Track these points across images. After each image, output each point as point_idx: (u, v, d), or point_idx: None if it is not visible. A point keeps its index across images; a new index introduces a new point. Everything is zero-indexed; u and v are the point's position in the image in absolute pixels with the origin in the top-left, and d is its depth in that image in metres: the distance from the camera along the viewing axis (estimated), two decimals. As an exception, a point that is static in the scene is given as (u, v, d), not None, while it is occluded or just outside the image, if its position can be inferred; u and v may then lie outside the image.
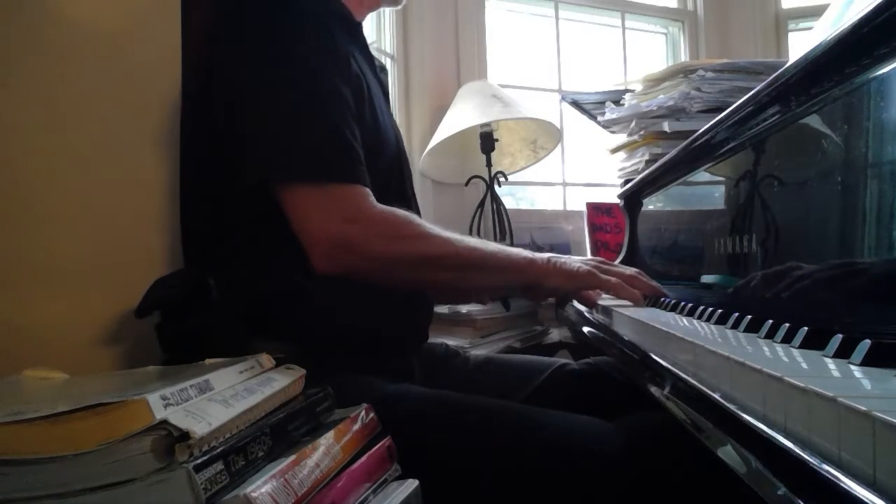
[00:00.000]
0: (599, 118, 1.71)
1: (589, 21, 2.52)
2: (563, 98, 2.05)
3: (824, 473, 0.32)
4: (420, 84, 2.05)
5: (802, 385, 0.37)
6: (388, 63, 1.99)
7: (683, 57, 2.54)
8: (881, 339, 0.44)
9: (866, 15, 0.54)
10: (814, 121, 0.67)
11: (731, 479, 0.41)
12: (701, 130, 0.95)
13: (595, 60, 2.49)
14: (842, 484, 0.31)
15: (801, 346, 0.51)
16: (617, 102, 1.64)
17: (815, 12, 2.24)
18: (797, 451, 0.35)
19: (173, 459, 0.44)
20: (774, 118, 0.74)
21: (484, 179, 1.95)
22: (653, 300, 0.99)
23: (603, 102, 1.70)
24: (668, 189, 1.22)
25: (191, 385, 0.51)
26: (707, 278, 0.96)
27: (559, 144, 2.05)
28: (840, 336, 0.48)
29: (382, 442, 0.68)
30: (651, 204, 1.37)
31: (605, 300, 1.07)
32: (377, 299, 0.89)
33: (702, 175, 1.02)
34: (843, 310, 0.57)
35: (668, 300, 0.95)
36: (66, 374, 0.69)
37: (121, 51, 1.05)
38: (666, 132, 1.41)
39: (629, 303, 0.97)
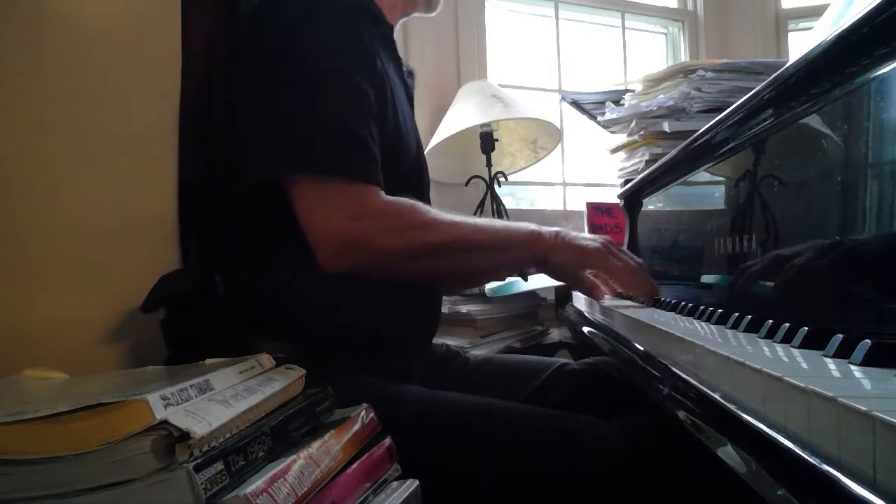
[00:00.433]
0: (599, 118, 1.70)
1: (589, 21, 2.52)
2: (563, 98, 2.04)
3: (824, 473, 0.32)
4: (420, 84, 2.04)
5: (802, 385, 0.37)
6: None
7: (683, 57, 2.54)
8: (881, 339, 0.44)
9: (866, 15, 0.54)
10: (814, 121, 0.67)
11: (731, 479, 0.41)
12: (701, 130, 0.95)
13: (595, 60, 2.49)
14: (842, 484, 0.31)
15: (801, 346, 0.51)
16: (617, 102, 1.64)
17: (815, 12, 2.24)
18: (797, 451, 0.35)
19: (173, 459, 0.44)
20: (774, 118, 0.74)
21: (484, 179, 1.95)
22: (652, 300, 0.99)
23: (603, 102, 1.70)
24: (668, 189, 1.22)
25: (191, 385, 0.51)
26: (707, 278, 0.96)
27: (559, 144, 2.05)
28: (840, 336, 0.48)
29: (382, 442, 0.68)
30: (651, 204, 1.37)
31: (606, 300, 1.07)
32: (380, 300, 0.89)
33: (702, 175, 1.02)
34: (843, 310, 0.57)
35: (668, 300, 0.95)
36: (68, 373, 0.69)
37: (121, 51, 1.05)
38: (666, 132, 1.41)
39: (629, 302, 0.97)
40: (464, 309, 1.55)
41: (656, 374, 0.63)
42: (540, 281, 1.43)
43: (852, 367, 0.44)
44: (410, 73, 1.15)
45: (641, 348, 0.72)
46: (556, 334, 1.78)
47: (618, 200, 1.55)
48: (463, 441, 0.79)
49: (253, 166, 0.88)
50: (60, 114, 0.98)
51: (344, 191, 0.85)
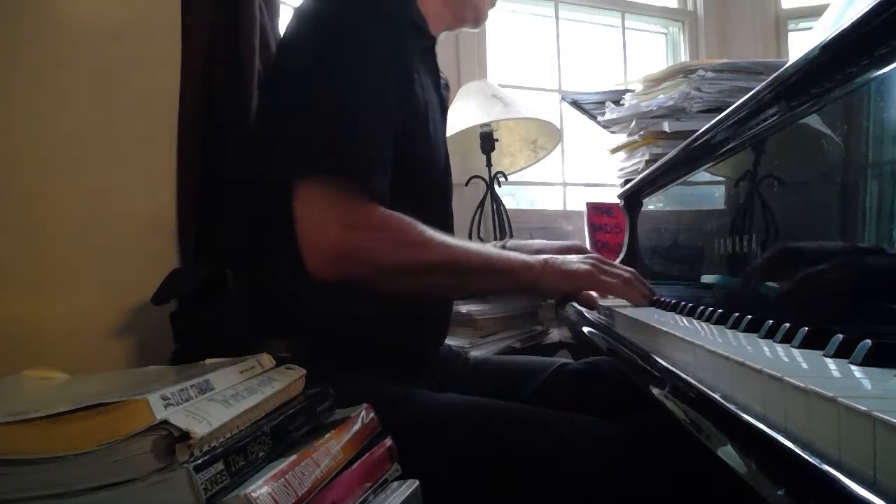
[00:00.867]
0: (599, 118, 1.71)
1: (589, 21, 2.52)
2: (563, 98, 2.05)
3: (824, 473, 0.32)
4: (420, 84, 2.05)
5: (802, 385, 0.37)
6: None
7: (683, 57, 2.54)
8: (881, 339, 0.44)
9: (866, 15, 0.54)
10: (814, 121, 0.67)
11: (731, 479, 0.41)
12: (701, 130, 0.95)
13: (595, 60, 2.49)
14: (842, 484, 0.31)
15: (801, 346, 0.51)
16: (617, 102, 1.64)
17: (815, 12, 2.24)
18: (797, 451, 0.35)
19: (174, 459, 0.44)
20: (774, 118, 0.74)
21: (484, 179, 1.95)
22: (651, 300, 0.99)
23: (603, 102, 1.70)
24: (668, 189, 1.22)
25: (191, 385, 0.51)
26: (707, 278, 0.96)
27: (559, 144, 2.04)
28: (840, 336, 0.48)
29: (383, 442, 0.68)
30: (651, 204, 1.37)
31: (606, 300, 1.07)
32: (389, 307, 0.88)
33: (702, 175, 1.02)
34: (843, 310, 0.57)
35: (667, 300, 0.95)
36: (70, 372, 0.69)
37: (121, 51, 1.05)
38: (666, 132, 1.41)
39: (628, 303, 0.97)
40: (464, 309, 1.55)
41: (656, 373, 0.63)
42: None
43: (852, 367, 0.44)
44: (447, 86, 1.15)
45: (641, 348, 0.72)
46: (556, 334, 1.78)
47: (618, 200, 1.54)
48: (463, 441, 0.79)
49: (274, 165, 0.87)
50: (61, 114, 0.99)
51: (343, 198, 0.83)
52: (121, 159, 1.05)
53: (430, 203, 0.93)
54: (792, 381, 0.38)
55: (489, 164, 1.91)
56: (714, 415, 0.47)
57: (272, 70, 0.94)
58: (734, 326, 0.67)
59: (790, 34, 2.51)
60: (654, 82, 1.50)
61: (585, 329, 1.06)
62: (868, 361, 0.43)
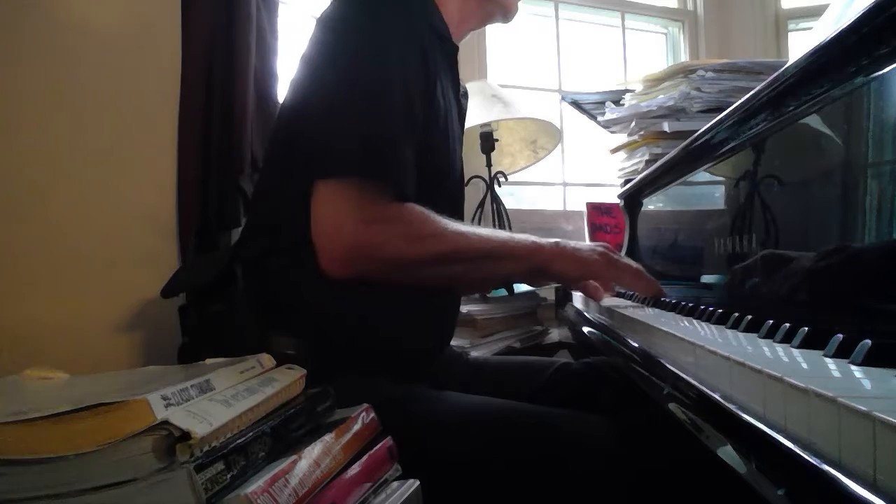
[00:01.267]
0: (599, 118, 1.70)
1: (589, 21, 2.52)
2: (563, 98, 2.05)
3: (824, 473, 0.32)
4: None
5: (802, 385, 0.37)
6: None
7: (683, 57, 2.54)
8: (881, 339, 0.44)
9: (866, 15, 0.54)
10: (814, 121, 0.67)
11: (730, 478, 0.41)
12: (701, 130, 0.95)
13: (595, 60, 2.49)
14: (842, 484, 0.31)
15: (801, 346, 0.51)
16: (617, 102, 1.64)
17: (815, 12, 2.24)
18: (797, 451, 0.35)
19: (174, 459, 0.44)
20: (774, 118, 0.74)
21: (484, 179, 1.95)
22: (653, 300, 0.99)
23: (603, 102, 1.70)
24: (668, 189, 1.22)
25: (192, 385, 0.51)
26: (707, 278, 0.96)
27: (559, 144, 2.04)
28: (840, 336, 0.48)
29: (383, 442, 0.68)
30: (651, 204, 1.37)
31: (606, 300, 1.07)
32: (398, 308, 0.88)
33: (702, 175, 1.02)
34: (843, 310, 0.57)
35: (668, 300, 0.95)
36: (72, 371, 0.69)
37: (121, 51, 1.05)
38: (666, 132, 1.41)
39: (629, 302, 0.97)
40: (464, 309, 1.55)
41: (656, 374, 0.63)
42: (523, 285, 1.45)
43: (852, 367, 0.44)
44: (465, 94, 1.15)
45: (641, 348, 0.72)
46: (556, 334, 1.78)
47: (618, 200, 1.55)
48: (463, 441, 0.79)
49: (298, 166, 0.87)
50: (62, 114, 0.99)
51: (364, 196, 0.83)
52: (121, 159, 1.05)
53: (444, 208, 0.92)
54: (792, 381, 0.38)
55: (489, 164, 1.91)
56: (714, 415, 0.47)
57: (297, 75, 0.93)
58: (734, 326, 0.67)
59: (790, 34, 2.51)
60: (654, 82, 1.50)
61: (585, 329, 1.06)
62: (868, 361, 0.43)
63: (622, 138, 1.59)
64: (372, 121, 0.84)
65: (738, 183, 0.86)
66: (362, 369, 0.82)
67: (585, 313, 1.16)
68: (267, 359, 0.66)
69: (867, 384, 0.40)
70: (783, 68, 0.69)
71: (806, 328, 0.52)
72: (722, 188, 0.97)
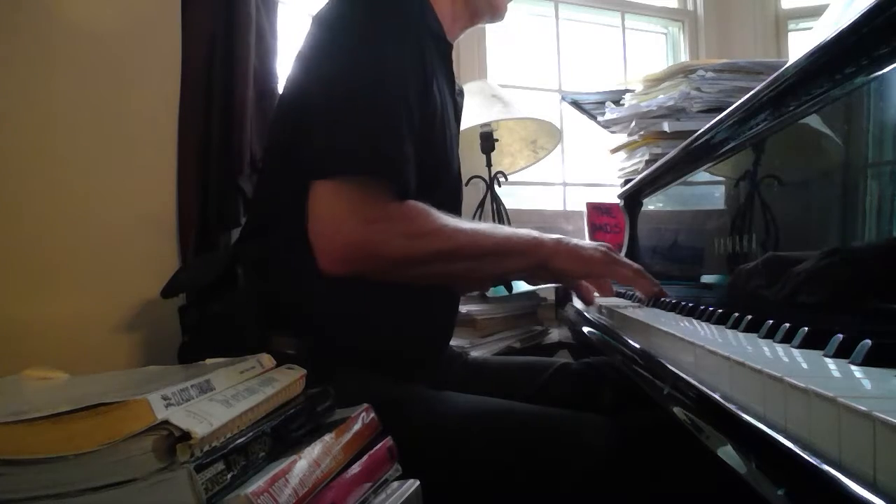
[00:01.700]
0: (599, 118, 1.71)
1: (589, 21, 2.52)
2: (563, 98, 2.05)
3: (824, 473, 0.32)
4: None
5: (802, 385, 0.37)
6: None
7: (683, 57, 2.54)
8: (881, 339, 0.44)
9: (866, 15, 0.54)
10: (814, 121, 0.67)
11: (730, 479, 0.41)
12: (701, 130, 0.95)
13: (595, 60, 2.49)
14: (842, 484, 0.31)
15: (801, 346, 0.51)
16: (617, 102, 1.64)
17: (815, 12, 2.24)
18: (797, 451, 0.35)
19: (174, 459, 0.44)
20: (774, 118, 0.74)
21: (484, 179, 1.95)
22: (653, 300, 0.99)
23: (603, 102, 1.70)
24: (667, 189, 1.22)
25: (192, 385, 0.51)
26: (707, 278, 0.96)
27: (559, 144, 2.05)
28: (840, 336, 0.48)
29: (383, 442, 0.68)
30: (651, 204, 1.37)
31: (606, 300, 1.07)
32: (398, 307, 0.88)
33: (702, 175, 1.02)
34: (843, 310, 0.57)
35: (668, 300, 0.95)
36: (72, 371, 0.69)
37: (121, 51, 1.05)
38: (666, 132, 1.41)
39: (629, 302, 0.97)
40: (464, 309, 1.55)
41: (656, 374, 0.63)
42: (522, 285, 1.44)
43: (852, 367, 0.44)
44: (461, 92, 1.14)
45: (641, 348, 0.72)
46: (556, 334, 1.78)
47: (618, 200, 1.55)
48: (463, 441, 0.79)
49: (296, 166, 0.87)
50: (62, 114, 0.99)
51: (364, 195, 0.82)
52: (121, 159, 1.05)
53: (442, 207, 0.91)
54: (792, 381, 0.38)
55: (489, 164, 1.91)
56: (714, 415, 0.47)
57: (292, 73, 0.93)
58: (734, 326, 0.67)
59: (790, 34, 2.51)
60: (654, 82, 1.51)
61: (585, 329, 1.06)
62: (868, 361, 0.43)
63: (622, 138, 1.59)
64: (370, 119, 0.84)
65: (738, 183, 0.86)
66: (363, 369, 0.82)
67: (585, 313, 1.16)
68: (267, 359, 0.66)
69: (867, 384, 0.40)
70: (783, 68, 0.69)
71: (806, 328, 0.52)
72: (722, 188, 0.97)
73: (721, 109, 0.90)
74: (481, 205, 1.97)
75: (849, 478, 0.31)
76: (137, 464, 0.44)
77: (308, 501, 0.53)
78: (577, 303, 1.32)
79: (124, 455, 0.44)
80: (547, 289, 1.71)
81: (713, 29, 2.53)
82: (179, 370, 0.63)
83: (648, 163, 1.43)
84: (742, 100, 0.80)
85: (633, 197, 1.43)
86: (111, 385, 0.60)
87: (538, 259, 0.92)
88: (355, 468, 0.61)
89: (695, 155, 1.01)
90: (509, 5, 1.11)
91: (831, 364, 0.45)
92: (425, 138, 0.90)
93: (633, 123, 1.50)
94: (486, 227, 0.94)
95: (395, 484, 0.65)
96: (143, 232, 1.08)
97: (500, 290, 1.57)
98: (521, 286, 1.50)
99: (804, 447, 0.35)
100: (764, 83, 0.74)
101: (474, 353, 1.38)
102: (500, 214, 1.94)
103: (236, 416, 0.51)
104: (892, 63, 0.53)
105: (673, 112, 1.40)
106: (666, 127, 1.40)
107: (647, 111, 1.46)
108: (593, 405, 0.90)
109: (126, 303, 1.02)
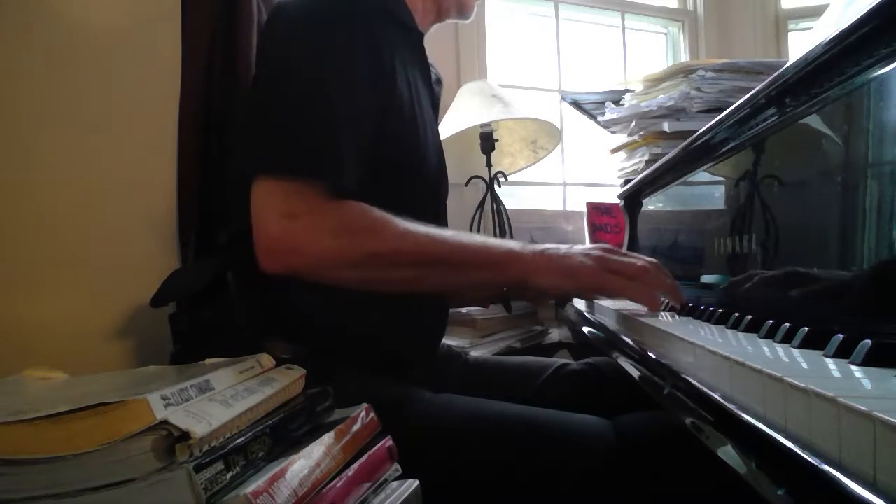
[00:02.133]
0: (599, 118, 1.71)
1: (589, 21, 2.52)
2: (563, 98, 2.05)
3: (824, 473, 0.32)
4: (420, 84, 2.05)
5: (802, 385, 0.37)
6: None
7: (683, 57, 2.54)
8: (881, 339, 0.44)
9: (866, 15, 0.54)
10: (814, 121, 0.67)
11: (730, 479, 0.41)
12: (701, 130, 0.95)
13: (595, 60, 2.49)
14: (842, 484, 0.31)
15: (801, 346, 0.51)
16: (617, 102, 1.64)
17: (815, 12, 2.24)
18: (797, 451, 0.35)
19: (174, 459, 0.44)
20: (774, 118, 0.74)
21: (484, 179, 1.95)
22: (667, 306, 0.92)
23: (603, 102, 1.70)
24: (667, 189, 1.22)
25: (191, 385, 0.51)
26: (707, 278, 0.96)
27: (559, 144, 2.05)
28: (840, 336, 0.48)
29: (383, 442, 0.68)
30: (651, 204, 1.37)
31: (605, 300, 1.06)
32: (385, 308, 0.87)
33: (702, 175, 1.02)
34: (843, 310, 0.57)
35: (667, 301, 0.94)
36: (70, 372, 0.69)
37: (121, 51, 1.05)
38: (666, 132, 1.41)
39: (629, 302, 0.96)
40: (464, 309, 1.55)
41: (656, 374, 0.63)
42: None
43: (852, 367, 0.44)
44: (438, 81, 1.12)
45: (641, 348, 0.72)
46: (556, 334, 1.78)
47: (618, 200, 1.54)
48: (462, 441, 0.79)
49: (239, 165, 0.87)
50: (62, 114, 0.99)
51: (286, 188, 0.78)
52: (121, 159, 1.05)
53: (419, 203, 0.88)
54: (792, 381, 0.38)
55: (489, 164, 1.91)
56: (714, 415, 0.47)
57: (255, 66, 0.93)
58: (734, 326, 0.67)
59: (790, 34, 2.51)
60: (654, 82, 1.50)
61: (585, 329, 1.06)
62: (868, 361, 0.43)
63: (622, 138, 1.59)
64: (304, 117, 0.81)
65: (738, 183, 0.86)
66: (357, 370, 0.82)
67: (586, 313, 1.16)
68: (266, 359, 0.66)
69: (867, 384, 0.40)
70: (783, 68, 0.69)
71: (806, 328, 0.52)
72: (722, 188, 0.97)
73: (721, 109, 0.90)
74: (481, 205, 1.97)
75: (849, 478, 0.31)
76: (136, 464, 0.44)
77: (307, 501, 0.52)
78: (578, 303, 1.31)
79: (123, 455, 0.44)
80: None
81: (713, 29, 2.53)
82: (179, 370, 0.63)
83: (648, 163, 1.43)
84: (742, 100, 0.80)
85: (633, 197, 1.43)
86: (110, 385, 0.60)
87: (515, 274, 0.82)
88: (355, 468, 0.61)
89: (695, 155, 1.01)
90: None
91: (831, 364, 0.45)
92: (391, 131, 0.86)
93: (633, 123, 1.50)
94: (451, 234, 0.85)
95: (395, 484, 0.65)
96: (143, 232, 1.08)
97: None
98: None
99: (804, 447, 0.35)
100: (764, 83, 0.74)
101: (474, 353, 1.38)
102: (500, 214, 1.94)
103: (235, 416, 0.51)
104: (892, 63, 0.53)
105: (673, 112, 1.40)
106: (666, 127, 1.40)
107: (647, 111, 1.46)
108: (593, 405, 0.90)
109: (126, 303, 1.02)
